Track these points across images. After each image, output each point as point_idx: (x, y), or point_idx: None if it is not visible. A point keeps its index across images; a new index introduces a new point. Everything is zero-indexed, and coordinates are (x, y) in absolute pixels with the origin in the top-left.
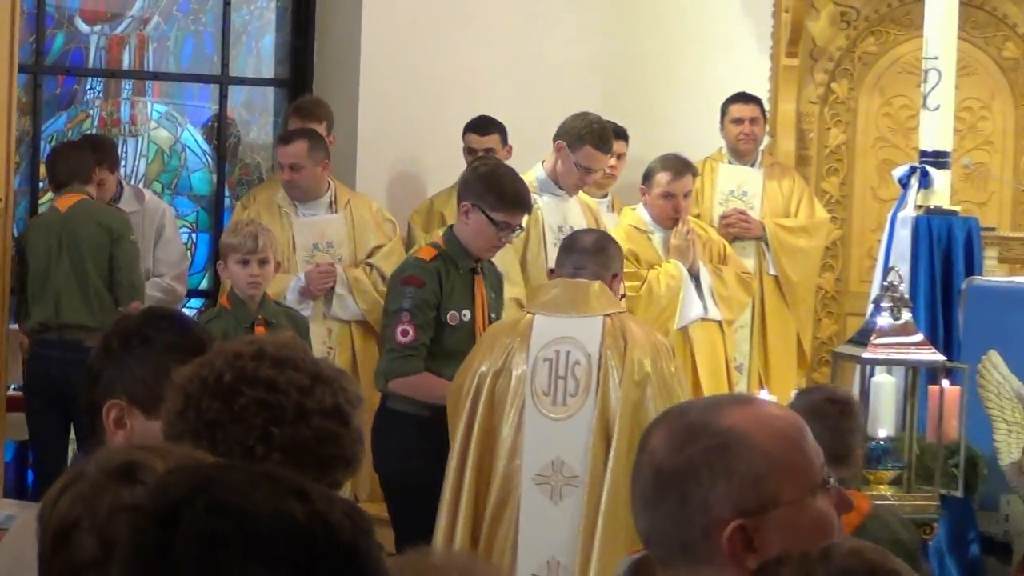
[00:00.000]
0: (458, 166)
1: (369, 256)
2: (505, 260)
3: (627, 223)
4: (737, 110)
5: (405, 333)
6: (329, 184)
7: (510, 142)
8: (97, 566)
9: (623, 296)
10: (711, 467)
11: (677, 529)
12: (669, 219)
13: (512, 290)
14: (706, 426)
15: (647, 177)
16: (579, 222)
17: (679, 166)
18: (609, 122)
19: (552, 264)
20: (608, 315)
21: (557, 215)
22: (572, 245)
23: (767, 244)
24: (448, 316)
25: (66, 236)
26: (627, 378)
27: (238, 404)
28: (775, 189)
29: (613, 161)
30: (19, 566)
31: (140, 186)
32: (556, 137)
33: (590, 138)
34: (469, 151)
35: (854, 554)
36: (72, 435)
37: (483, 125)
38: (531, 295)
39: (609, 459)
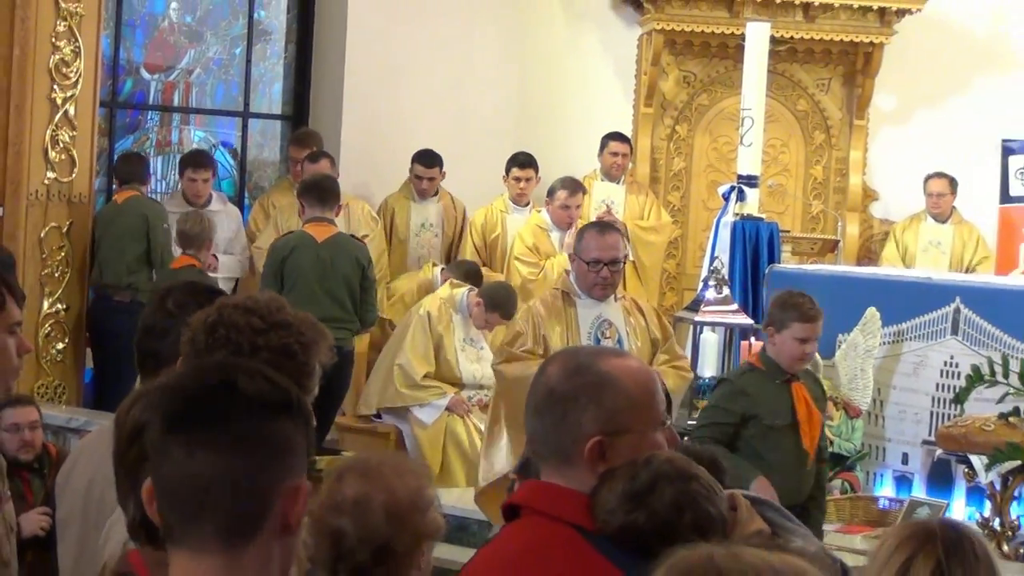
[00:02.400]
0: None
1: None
2: (429, 355)
3: (533, 223)
4: (615, 146)
5: None
6: None
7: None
8: None
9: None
10: (588, 396)
11: (555, 435)
12: (565, 223)
13: (429, 367)
14: (590, 367)
15: (551, 192)
16: (479, 336)
17: (574, 186)
18: (522, 153)
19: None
20: None
21: (463, 330)
22: None
23: (627, 239)
24: None
25: (119, 220)
26: None
27: (213, 337)
28: (633, 201)
29: (523, 184)
30: (98, 456)
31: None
32: (479, 295)
33: (501, 311)
34: (417, 178)
35: (668, 461)
36: None
37: (430, 158)
38: None
39: None
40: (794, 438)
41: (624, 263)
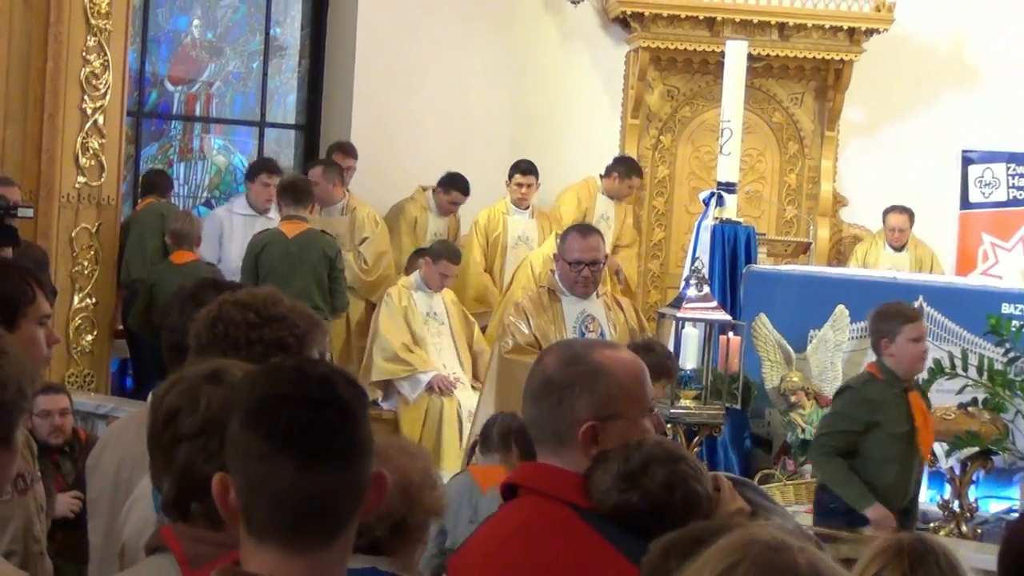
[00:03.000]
0: (411, 184)
1: (360, 243)
2: (401, 327)
3: (548, 251)
4: (638, 182)
5: None
6: (345, 195)
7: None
8: (194, 438)
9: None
10: (582, 384)
11: (551, 420)
12: None
13: (404, 338)
14: (584, 356)
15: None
16: (441, 309)
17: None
18: (524, 161)
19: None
20: None
21: (424, 304)
22: None
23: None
24: None
25: (138, 222)
26: None
27: (213, 332)
28: (617, 214)
29: (524, 190)
30: (126, 440)
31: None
32: (425, 252)
33: (448, 257)
34: (452, 203)
35: (658, 444)
36: None
37: (467, 186)
38: None
39: None
40: (910, 444)
41: (604, 263)
